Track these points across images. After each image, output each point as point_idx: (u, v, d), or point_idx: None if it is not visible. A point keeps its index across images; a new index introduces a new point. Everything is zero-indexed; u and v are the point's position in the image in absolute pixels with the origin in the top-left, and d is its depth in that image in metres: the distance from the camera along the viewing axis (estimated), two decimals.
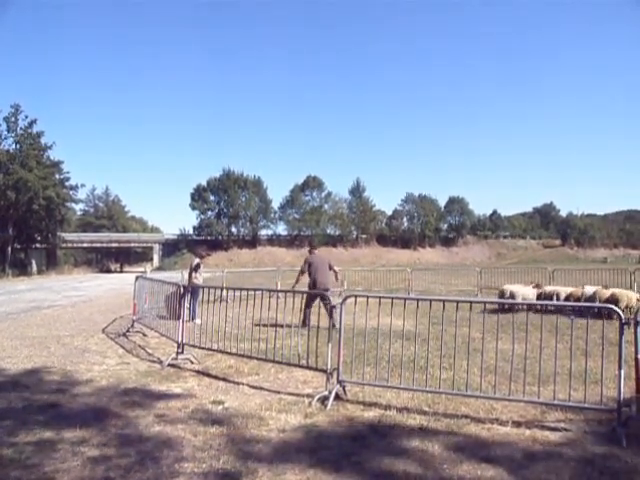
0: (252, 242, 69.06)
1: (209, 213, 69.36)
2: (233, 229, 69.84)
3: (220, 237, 67.49)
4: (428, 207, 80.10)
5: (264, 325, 7.04)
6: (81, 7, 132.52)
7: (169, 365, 6.86)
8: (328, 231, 73.96)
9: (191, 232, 69.22)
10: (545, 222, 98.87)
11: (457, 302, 5.32)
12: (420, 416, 4.68)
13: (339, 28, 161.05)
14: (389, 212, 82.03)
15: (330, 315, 9.32)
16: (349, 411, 4.88)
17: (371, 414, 4.80)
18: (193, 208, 69.11)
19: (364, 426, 4.46)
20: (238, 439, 4.10)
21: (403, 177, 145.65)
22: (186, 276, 12.69)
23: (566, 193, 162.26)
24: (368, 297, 5.88)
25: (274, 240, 71.79)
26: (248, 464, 3.59)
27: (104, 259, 74.37)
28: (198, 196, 69.07)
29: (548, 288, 13.23)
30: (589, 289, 12.60)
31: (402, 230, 79.68)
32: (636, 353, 4.20)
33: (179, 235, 68.40)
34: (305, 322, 8.84)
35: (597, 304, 10.32)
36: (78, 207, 64.04)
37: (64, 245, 53.16)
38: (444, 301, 5.45)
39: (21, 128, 43.27)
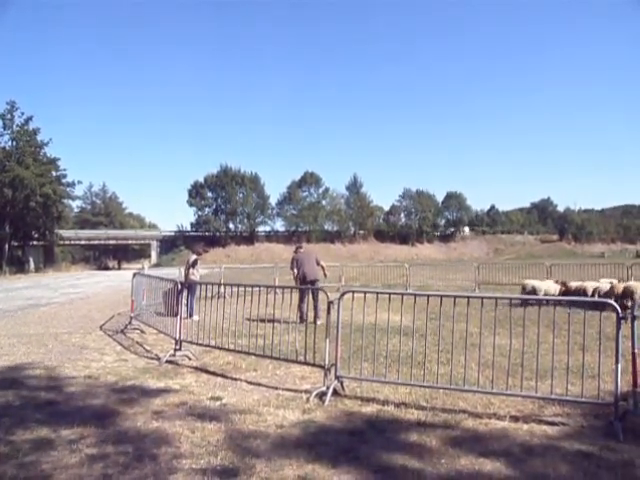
0: (250, 238, 69.01)
1: (206, 209, 69.35)
2: (231, 225, 69.84)
3: (218, 233, 67.40)
4: (426, 203, 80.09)
5: (262, 321, 7.04)
6: (79, 6, 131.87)
7: (167, 362, 6.86)
8: (326, 227, 73.96)
9: (189, 229, 69.27)
10: (543, 217, 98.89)
11: (454, 297, 5.33)
12: (418, 411, 4.69)
13: (336, 25, 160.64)
14: (387, 208, 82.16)
15: (315, 310, 9.48)
16: (347, 406, 4.89)
17: (369, 409, 4.80)
18: (190, 205, 69.13)
19: (362, 421, 4.46)
20: (236, 435, 4.10)
21: (400, 173, 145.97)
22: (183, 273, 12.68)
23: (563, 188, 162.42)
24: (365, 293, 5.87)
25: (272, 236, 71.71)
26: (246, 460, 3.59)
27: (102, 256, 74.27)
28: (195, 192, 68.99)
29: (574, 284, 13.13)
30: (604, 282, 12.87)
31: (400, 226, 79.71)
32: (633, 347, 4.21)
33: (177, 232, 68.33)
34: (302, 318, 8.89)
35: (593, 298, 10.36)
36: (75, 204, 64.06)
37: (61, 242, 52.99)
38: (442, 296, 5.46)
39: (17, 125, 43.12)
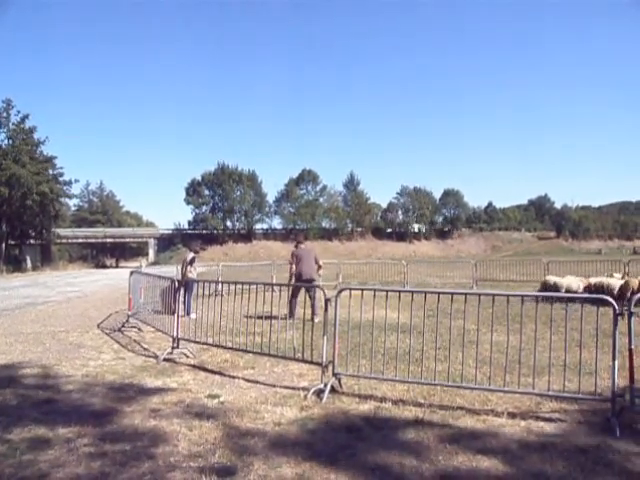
0: (247, 236, 69.00)
1: (204, 207, 69.33)
2: (228, 223, 69.83)
3: (215, 231, 67.40)
4: (423, 200, 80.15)
5: (259, 318, 7.03)
6: (77, 5, 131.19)
7: (164, 360, 6.84)
8: (323, 224, 74.03)
9: (186, 226, 69.21)
10: (540, 214, 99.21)
11: (452, 294, 5.33)
12: (415, 408, 4.69)
13: (334, 21, 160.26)
14: (384, 205, 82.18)
15: (313, 308, 9.49)
16: (345, 404, 4.89)
17: (366, 407, 4.80)
18: (188, 203, 69.11)
19: (360, 419, 4.46)
20: (234, 433, 4.10)
21: (398, 170, 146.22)
22: (181, 271, 12.65)
23: (561, 185, 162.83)
24: (363, 290, 5.87)
25: (269, 234, 71.73)
26: (244, 458, 3.59)
27: (99, 254, 74.13)
28: (193, 190, 68.92)
29: (594, 280, 13.08)
30: (617, 276, 13.41)
31: (397, 223, 79.75)
32: (630, 344, 4.22)
33: (174, 230, 68.29)
34: (292, 312, 8.91)
35: (589, 294, 10.38)
36: (72, 202, 63.94)
37: (58, 241, 52.84)
38: (439, 293, 5.46)
39: (13, 123, 42.79)
